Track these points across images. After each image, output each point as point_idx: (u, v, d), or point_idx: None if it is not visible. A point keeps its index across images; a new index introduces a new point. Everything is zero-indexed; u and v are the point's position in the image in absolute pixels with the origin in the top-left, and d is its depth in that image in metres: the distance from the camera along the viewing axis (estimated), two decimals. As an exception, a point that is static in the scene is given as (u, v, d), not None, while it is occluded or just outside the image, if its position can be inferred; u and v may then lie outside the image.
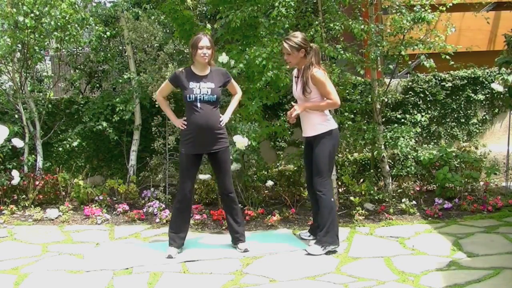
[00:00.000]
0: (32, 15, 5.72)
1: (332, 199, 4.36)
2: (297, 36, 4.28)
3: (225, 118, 4.36)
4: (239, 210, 4.52)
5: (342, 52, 5.32)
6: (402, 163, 6.14)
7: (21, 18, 5.58)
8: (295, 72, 4.48)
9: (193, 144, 4.24)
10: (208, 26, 5.70)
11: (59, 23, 5.80)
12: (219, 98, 4.28)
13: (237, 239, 4.41)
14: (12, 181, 5.68)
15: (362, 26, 5.26)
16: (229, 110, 4.47)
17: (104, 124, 6.17)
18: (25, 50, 6.05)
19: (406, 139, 5.63)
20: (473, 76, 6.64)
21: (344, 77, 5.59)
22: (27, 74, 6.32)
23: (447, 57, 5.38)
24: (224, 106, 5.83)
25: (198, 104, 4.18)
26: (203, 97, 4.18)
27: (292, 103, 4.44)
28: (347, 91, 5.94)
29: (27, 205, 5.70)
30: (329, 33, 5.65)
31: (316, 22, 5.49)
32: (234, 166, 5.31)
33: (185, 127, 4.25)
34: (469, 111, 6.72)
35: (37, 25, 5.83)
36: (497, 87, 5.37)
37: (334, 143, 4.33)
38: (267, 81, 5.11)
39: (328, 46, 5.32)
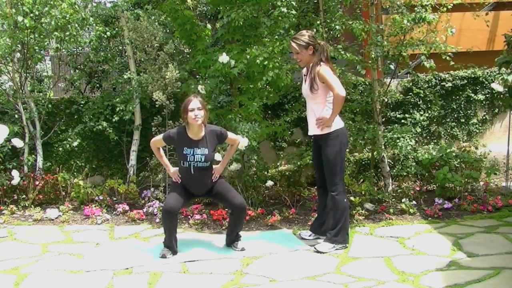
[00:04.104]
0: (31, 15, 5.72)
1: (345, 200, 4.39)
2: (304, 34, 4.30)
3: (219, 170, 4.40)
4: (241, 226, 4.53)
5: (342, 52, 5.32)
6: (402, 163, 6.14)
7: (20, 18, 5.58)
8: (304, 70, 4.48)
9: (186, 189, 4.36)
10: (208, 26, 5.71)
11: (59, 23, 5.80)
12: (212, 162, 4.34)
13: (233, 241, 4.45)
14: (12, 181, 5.68)
15: (362, 26, 5.27)
16: (224, 161, 4.51)
17: (104, 124, 6.17)
18: (25, 50, 6.05)
19: (406, 139, 5.64)
20: (473, 76, 6.64)
21: (345, 77, 5.59)
22: (27, 74, 6.32)
23: (448, 57, 5.39)
24: (224, 107, 5.86)
25: (192, 170, 4.24)
26: (197, 164, 4.23)
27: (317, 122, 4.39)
28: (348, 91, 5.93)
29: (27, 205, 5.70)
30: (330, 33, 5.66)
31: (318, 22, 5.49)
32: (234, 166, 5.31)
33: (179, 180, 4.35)
34: (469, 111, 6.72)
35: (36, 25, 5.83)
36: (497, 87, 5.36)
37: (343, 142, 4.33)
38: (268, 80, 5.12)
39: (329, 46, 5.33)
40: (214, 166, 4.41)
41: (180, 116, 4.39)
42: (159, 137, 4.42)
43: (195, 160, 4.21)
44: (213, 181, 4.36)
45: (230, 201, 4.34)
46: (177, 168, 4.42)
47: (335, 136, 4.28)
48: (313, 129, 4.38)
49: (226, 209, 5.33)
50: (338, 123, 4.32)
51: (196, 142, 4.23)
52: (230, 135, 4.44)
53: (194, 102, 4.17)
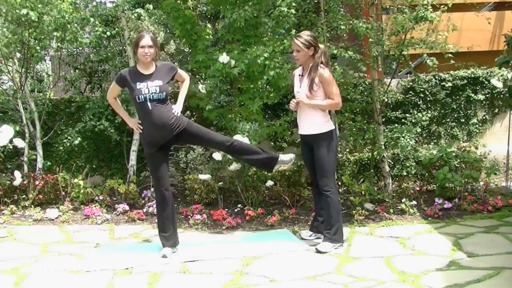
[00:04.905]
0: (34, 12, 5.70)
1: (339, 198, 4.44)
2: (308, 34, 4.34)
3: (177, 108, 4.28)
4: (253, 146, 4.46)
5: (343, 51, 5.32)
6: (402, 163, 6.14)
7: (24, 11, 5.54)
8: (298, 70, 4.50)
9: (152, 143, 4.23)
10: (208, 26, 5.71)
11: (58, 23, 5.79)
12: (168, 94, 4.22)
13: (268, 162, 4.42)
14: (14, 181, 5.67)
15: (365, 25, 5.27)
16: (180, 99, 4.40)
17: (105, 124, 6.16)
18: (26, 50, 6.04)
19: (407, 139, 5.63)
20: (473, 76, 6.65)
21: (347, 74, 5.59)
22: (27, 74, 6.31)
23: (449, 55, 5.39)
24: (224, 106, 5.86)
25: (149, 104, 4.12)
26: (153, 96, 4.12)
27: (293, 99, 4.45)
28: (348, 91, 5.94)
29: (27, 205, 5.69)
30: (331, 32, 5.67)
31: (321, 22, 5.50)
32: (234, 166, 5.32)
33: (141, 130, 4.25)
34: (469, 111, 6.72)
35: (39, 24, 5.80)
36: (496, 82, 5.36)
37: (335, 143, 4.40)
38: (269, 80, 5.12)
39: (330, 45, 5.34)
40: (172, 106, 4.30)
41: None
42: (112, 83, 4.38)
43: (150, 92, 4.11)
44: (173, 117, 4.17)
45: (211, 143, 4.35)
46: (136, 118, 4.38)
47: (326, 137, 4.33)
48: (308, 129, 4.41)
49: (226, 209, 5.34)
50: (329, 125, 4.37)
51: (148, 76, 4.17)
52: (180, 70, 4.41)
53: (146, 40, 4.12)
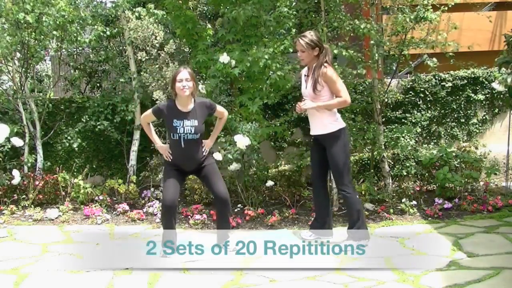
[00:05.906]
0: (32, 14, 5.70)
1: (357, 196, 4.46)
2: (313, 35, 4.32)
3: (209, 144, 4.36)
4: (229, 221, 4.51)
5: (343, 50, 5.32)
6: (402, 163, 6.14)
7: (21, 15, 5.55)
8: (304, 71, 4.50)
9: (176, 166, 4.30)
10: (209, 26, 5.71)
11: (57, 22, 5.79)
12: (202, 134, 4.27)
13: (223, 239, 4.43)
14: (13, 180, 5.67)
15: (367, 25, 5.27)
16: (213, 134, 4.48)
17: (105, 123, 6.16)
18: (26, 50, 6.04)
19: (407, 139, 5.63)
20: (473, 76, 6.65)
21: (346, 72, 5.59)
22: (27, 74, 6.31)
23: (450, 54, 5.39)
24: (224, 107, 5.84)
25: (182, 143, 4.18)
26: (187, 136, 4.18)
27: (299, 103, 4.44)
28: (348, 91, 5.93)
29: (27, 205, 5.70)
30: (331, 32, 5.67)
31: (322, 22, 5.50)
32: (234, 166, 5.31)
33: (170, 159, 4.29)
34: (469, 111, 6.72)
35: (38, 24, 5.81)
36: (497, 86, 5.36)
37: (346, 141, 4.39)
38: (272, 83, 5.13)
39: (331, 45, 5.34)
40: (204, 140, 4.36)
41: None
42: (149, 111, 4.39)
43: (185, 132, 4.16)
44: (204, 153, 4.28)
45: (213, 188, 4.32)
46: (167, 144, 4.41)
47: (336, 135, 4.32)
48: (316, 129, 4.41)
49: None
50: (337, 124, 4.36)
51: (186, 114, 4.19)
52: (218, 107, 4.44)
53: (183, 73, 4.14)
